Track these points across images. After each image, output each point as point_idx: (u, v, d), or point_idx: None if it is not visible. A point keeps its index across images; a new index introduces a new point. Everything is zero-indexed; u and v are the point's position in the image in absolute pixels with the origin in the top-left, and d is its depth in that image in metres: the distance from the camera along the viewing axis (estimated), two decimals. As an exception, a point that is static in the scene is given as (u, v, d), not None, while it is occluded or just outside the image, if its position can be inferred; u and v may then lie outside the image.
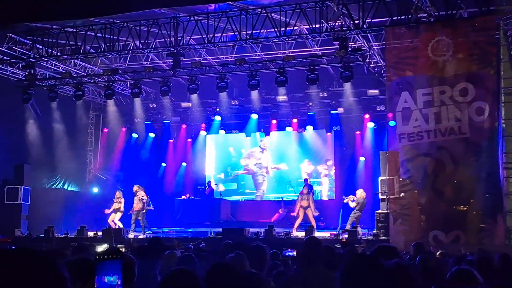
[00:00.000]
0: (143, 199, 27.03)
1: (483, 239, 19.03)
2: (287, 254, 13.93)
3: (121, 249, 15.89)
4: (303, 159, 33.66)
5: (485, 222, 19.40)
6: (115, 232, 24.70)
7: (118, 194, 27.61)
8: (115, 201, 27.40)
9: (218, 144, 35.68)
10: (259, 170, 34.40)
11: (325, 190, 33.08)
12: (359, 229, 23.55)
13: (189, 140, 35.74)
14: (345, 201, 25.69)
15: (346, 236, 22.05)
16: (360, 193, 25.30)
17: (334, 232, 24.01)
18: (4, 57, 26.71)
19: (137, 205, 26.86)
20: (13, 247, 19.00)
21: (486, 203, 19.52)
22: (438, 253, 11.92)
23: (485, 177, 19.45)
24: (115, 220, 27.13)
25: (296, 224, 26.13)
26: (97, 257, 3.66)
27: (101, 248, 20.02)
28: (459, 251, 13.69)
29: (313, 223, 25.96)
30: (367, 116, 30.72)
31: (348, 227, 24.29)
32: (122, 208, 27.24)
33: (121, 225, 26.88)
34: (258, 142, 34.58)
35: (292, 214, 27.66)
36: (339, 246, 17.51)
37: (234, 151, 35.31)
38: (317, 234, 23.68)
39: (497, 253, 9.84)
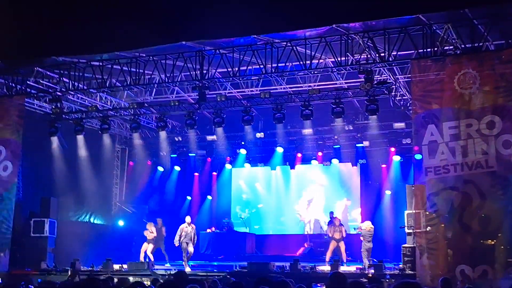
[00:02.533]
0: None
1: (510, 273, 18.72)
2: (316, 289, 13.84)
3: (146, 282, 15.80)
4: (331, 194, 33.52)
5: (513, 256, 19.14)
6: (140, 265, 24.80)
7: (149, 225, 27.98)
8: (149, 231, 27.86)
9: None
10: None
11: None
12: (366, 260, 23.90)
13: (214, 173, 35.73)
14: (357, 231, 25.92)
15: (372, 271, 21.89)
16: (366, 226, 25.33)
17: (360, 267, 23.86)
18: (32, 91, 26.86)
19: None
20: (39, 280, 19.00)
21: (514, 237, 19.26)
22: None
23: (512, 211, 19.22)
24: (148, 251, 27.43)
25: (327, 257, 25.97)
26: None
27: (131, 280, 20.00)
28: (486, 286, 13.48)
29: (344, 256, 25.87)
30: (393, 149, 30.54)
31: (365, 260, 24.25)
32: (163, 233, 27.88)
33: (152, 258, 27.46)
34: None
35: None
36: (365, 280, 17.37)
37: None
38: (342, 268, 23.54)
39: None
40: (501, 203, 19.37)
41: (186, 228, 26.42)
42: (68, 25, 23.45)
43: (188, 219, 26.98)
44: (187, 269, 25.13)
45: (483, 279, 18.47)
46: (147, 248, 27.60)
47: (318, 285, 17.75)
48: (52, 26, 23.36)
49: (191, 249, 26.33)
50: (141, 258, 27.09)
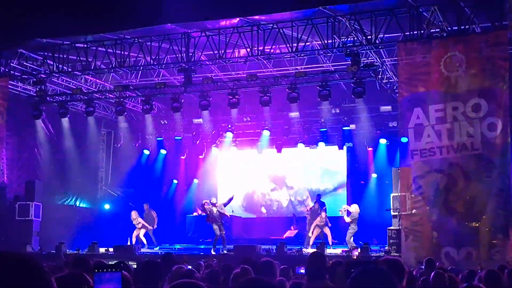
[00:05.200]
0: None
1: (494, 255, 18.82)
2: (299, 272, 13.77)
3: (133, 266, 15.78)
4: (315, 177, 33.56)
5: (496, 238, 19.20)
6: (126, 249, 24.78)
7: (134, 214, 28.07)
8: (134, 222, 27.94)
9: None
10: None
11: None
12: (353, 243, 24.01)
13: (201, 156, 35.61)
14: (340, 213, 25.80)
15: (356, 253, 21.92)
16: (355, 208, 25.36)
17: (346, 249, 23.90)
18: (15, 73, 26.67)
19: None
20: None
21: (498, 219, 19.30)
22: (448, 269, 11.80)
23: (497, 193, 19.25)
24: (139, 235, 27.88)
25: (311, 242, 25.96)
26: (95, 270, 3.57)
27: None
28: (471, 267, 13.52)
29: (330, 239, 25.87)
30: (379, 132, 30.55)
31: (351, 244, 24.27)
32: (146, 225, 28.28)
33: (144, 241, 28.16)
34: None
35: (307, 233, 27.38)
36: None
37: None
38: (328, 251, 23.59)
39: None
40: (485, 186, 19.46)
41: (210, 208, 26.43)
42: (50, 6, 23.14)
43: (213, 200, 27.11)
44: (212, 252, 25.13)
45: (467, 261, 18.56)
46: (139, 233, 27.86)
47: (302, 268, 17.72)
48: (35, 8, 23.08)
49: (217, 231, 26.13)
50: (133, 242, 27.30)
